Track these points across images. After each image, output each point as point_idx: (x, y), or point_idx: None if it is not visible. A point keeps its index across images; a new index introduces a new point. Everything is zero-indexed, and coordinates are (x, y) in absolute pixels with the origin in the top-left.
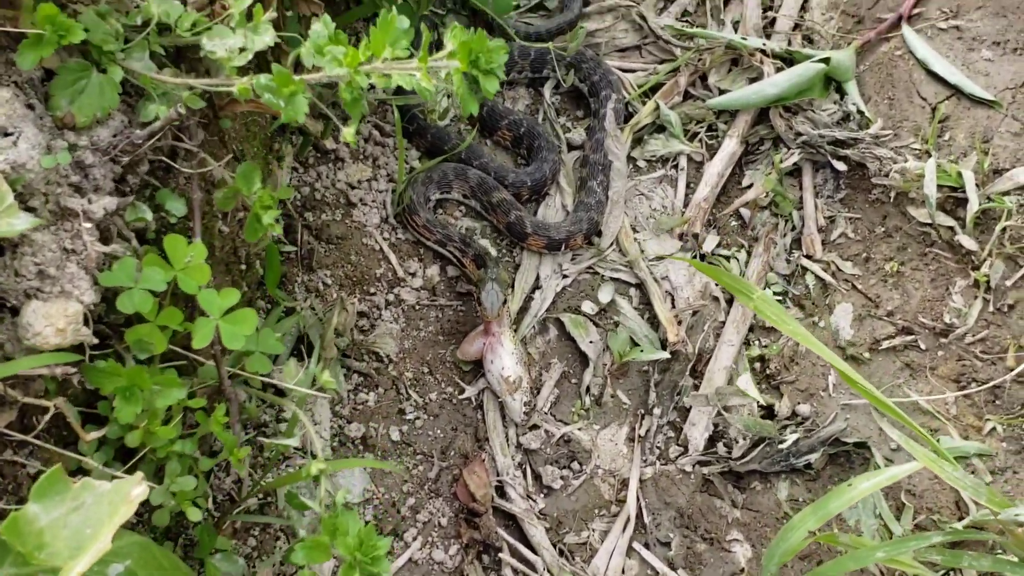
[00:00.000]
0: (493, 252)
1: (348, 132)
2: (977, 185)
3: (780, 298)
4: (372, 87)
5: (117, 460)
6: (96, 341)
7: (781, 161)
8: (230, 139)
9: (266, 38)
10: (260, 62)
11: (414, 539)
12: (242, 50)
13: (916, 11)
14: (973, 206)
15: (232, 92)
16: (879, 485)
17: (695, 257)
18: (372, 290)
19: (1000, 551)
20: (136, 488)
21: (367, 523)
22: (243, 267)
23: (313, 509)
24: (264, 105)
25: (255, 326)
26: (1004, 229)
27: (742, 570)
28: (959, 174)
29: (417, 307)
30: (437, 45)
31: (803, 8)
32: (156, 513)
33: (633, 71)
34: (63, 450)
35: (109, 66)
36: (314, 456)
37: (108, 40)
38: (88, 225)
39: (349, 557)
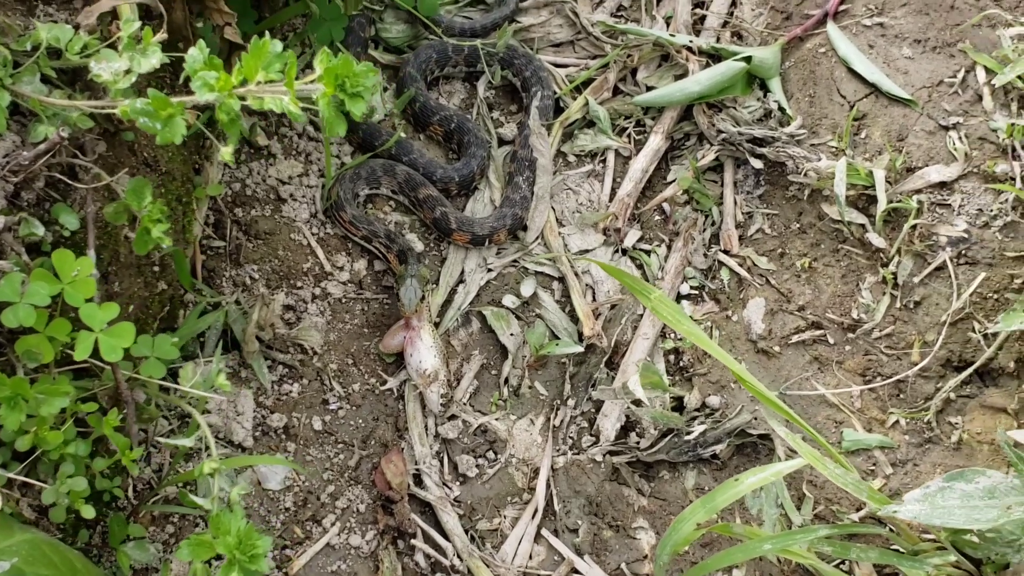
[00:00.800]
0: (420, 246)
1: (226, 152)
2: (889, 183)
3: (696, 292)
4: None
5: (15, 460)
6: None
7: (697, 160)
8: (139, 147)
9: (153, 60)
10: (153, 81)
11: (332, 524)
12: (127, 72)
13: (843, 7)
14: (881, 205)
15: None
16: (764, 480)
17: (616, 252)
18: (299, 284)
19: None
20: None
21: (248, 522)
22: (156, 268)
23: (204, 507)
24: None
25: (132, 339)
26: (913, 227)
27: (645, 556)
28: (870, 174)
29: (343, 300)
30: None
31: (733, 4)
32: (52, 511)
33: (566, 66)
34: None
35: None
36: (209, 455)
37: None
38: None
39: (229, 555)
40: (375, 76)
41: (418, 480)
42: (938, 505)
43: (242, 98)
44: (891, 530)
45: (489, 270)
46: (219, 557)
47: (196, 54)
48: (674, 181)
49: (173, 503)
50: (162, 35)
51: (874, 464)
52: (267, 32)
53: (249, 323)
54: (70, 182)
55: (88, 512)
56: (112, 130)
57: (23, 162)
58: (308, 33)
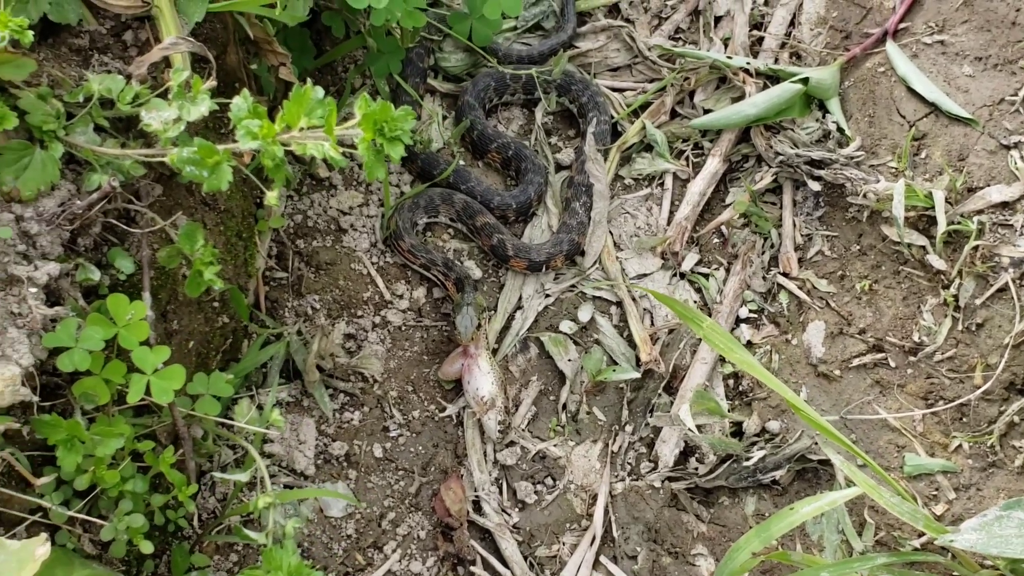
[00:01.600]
0: (479, 273)
1: (271, 196)
2: (949, 203)
3: (755, 315)
4: None
5: (76, 497)
6: (37, 399)
7: (755, 183)
8: (197, 187)
9: (202, 108)
10: (210, 123)
11: (393, 551)
12: (177, 121)
13: (903, 25)
14: (941, 227)
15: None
16: (818, 510)
17: (675, 275)
18: (359, 313)
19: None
20: (40, 548)
21: (304, 557)
22: (216, 304)
23: (258, 541)
24: None
25: (183, 381)
26: (975, 248)
27: None
28: (929, 195)
29: (403, 328)
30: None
31: (792, 24)
32: (112, 547)
33: (623, 90)
34: (21, 493)
35: (50, 143)
36: (264, 490)
37: (48, 120)
38: (33, 290)
39: None
40: (412, 120)
41: (477, 507)
42: (995, 534)
43: (285, 144)
44: (952, 558)
45: (547, 296)
46: None
47: (240, 103)
48: (732, 204)
49: (235, 534)
50: (211, 83)
51: (936, 489)
52: (309, 80)
53: (310, 353)
54: (126, 227)
55: (147, 547)
56: (168, 173)
57: (77, 210)
58: (367, 66)
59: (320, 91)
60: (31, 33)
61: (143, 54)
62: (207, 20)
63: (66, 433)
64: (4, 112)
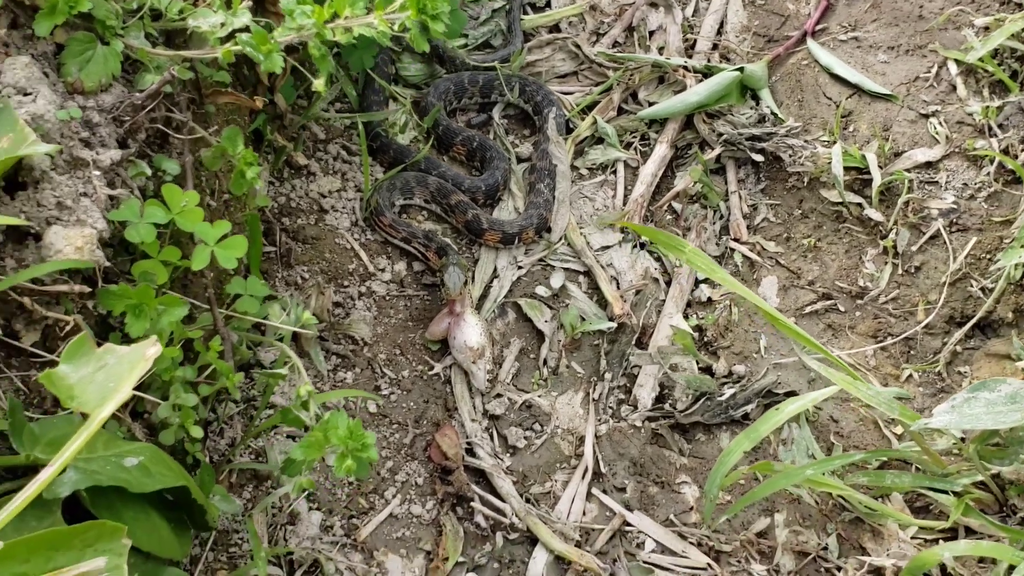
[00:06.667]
0: (455, 250)
1: (319, 83)
2: (880, 166)
3: None
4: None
5: None
6: (108, 263)
7: (705, 156)
8: (213, 121)
9: (244, 19)
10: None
11: (394, 496)
12: (223, 25)
13: (819, 27)
14: (876, 181)
15: (218, 58)
16: (804, 407)
17: (635, 247)
18: (346, 283)
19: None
20: (150, 348)
21: (309, 501)
22: None
23: (307, 423)
24: (242, 97)
25: (244, 249)
26: (907, 202)
27: (691, 507)
28: (863, 156)
29: (387, 297)
30: None
31: (718, 32)
32: (162, 433)
33: (572, 93)
34: None
35: (111, 39)
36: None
37: (110, 16)
38: (97, 172)
39: (343, 445)
40: (448, 5)
41: (471, 452)
42: (965, 413)
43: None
44: (917, 468)
45: (519, 267)
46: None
47: None
48: (686, 173)
49: (247, 472)
50: (249, 1)
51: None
52: None
53: (307, 310)
54: (169, 132)
55: (197, 432)
56: (192, 104)
57: (136, 102)
58: (344, 59)
59: None
60: None
61: None
62: None
63: (136, 299)
64: None
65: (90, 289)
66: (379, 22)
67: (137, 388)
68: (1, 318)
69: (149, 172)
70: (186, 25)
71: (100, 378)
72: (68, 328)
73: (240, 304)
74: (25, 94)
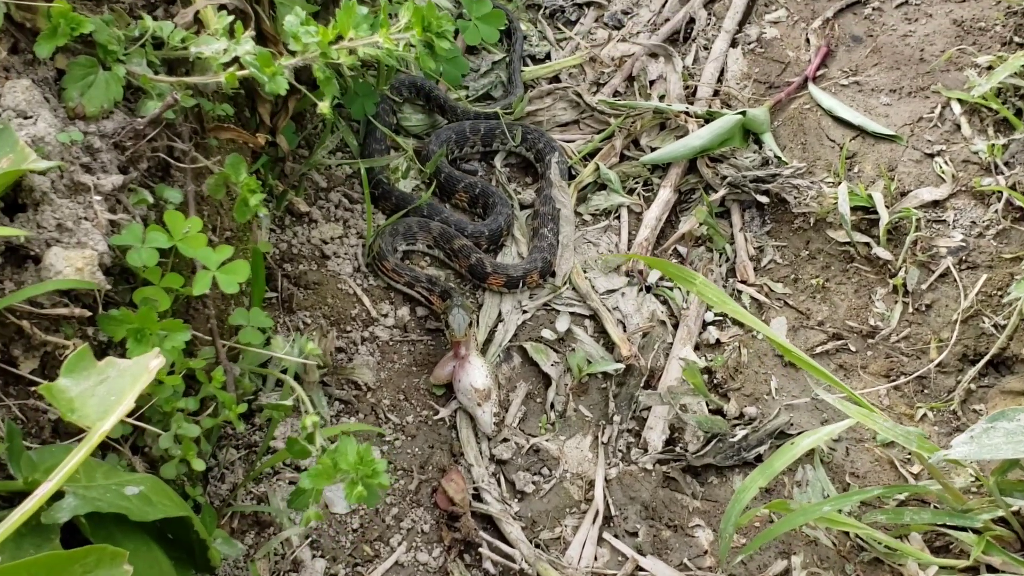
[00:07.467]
0: (458, 291)
1: (324, 105)
2: (886, 205)
3: (720, 318)
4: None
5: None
6: (109, 290)
7: (710, 197)
8: (215, 155)
9: (247, 47)
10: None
11: (399, 544)
12: (225, 51)
13: (819, 73)
14: (884, 220)
15: (220, 88)
16: (819, 440)
17: (641, 290)
18: (348, 328)
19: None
20: (153, 360)
21: (312, 548)
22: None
23: (313, 454)
24: (244, 133)
25: (246, 274)
26: (915, 240)
27: (706, 551)
28: (869, 196)
29: (391, 343)
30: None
31: (719, 80)
32: (163, 467)
33: (573, 141)
34: None
35: (113, 64)
36: (307, 412)
37: (112, 41)
38: (98, 197)
39: (352, 472)
40: (452, 24)
41: (478, 498)
42: (985, 443)
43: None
44: (936, 505)
45: (524, 311)
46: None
47: (293, 19)
48: (692, 215)
49: (249, 518)
50: (251, 31)
51: (908, 454)
52: None
53: (310, 342)
54: (171, 160)
55: (199, 464)
56: (194, 136)
57: (137, 127)
58: (346, 106)
59: (364, 9)
60: None
61: (186, 6)
62: None
63: (138, 324)
64: (79, 19)
65: (90, 314)
66: (384, 41)
67: (137, 420)
68: None
69: (151, 200)
70: (188, 53)
71: (101, 391)
72: (67, 354)
73: (243, 335)
74: (26, 117)
